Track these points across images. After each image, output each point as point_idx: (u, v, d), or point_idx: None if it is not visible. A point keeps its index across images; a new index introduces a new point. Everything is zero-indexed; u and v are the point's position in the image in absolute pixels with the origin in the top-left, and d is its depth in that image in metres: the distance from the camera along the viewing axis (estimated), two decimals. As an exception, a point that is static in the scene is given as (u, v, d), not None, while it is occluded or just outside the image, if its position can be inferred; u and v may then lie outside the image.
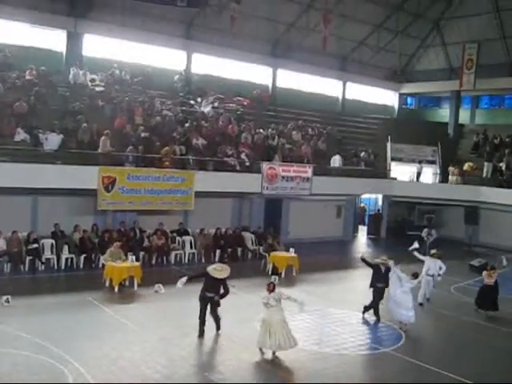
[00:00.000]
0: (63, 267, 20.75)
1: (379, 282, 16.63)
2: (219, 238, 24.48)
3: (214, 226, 24.93)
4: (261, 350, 13.34)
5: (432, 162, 36.43)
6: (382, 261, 16.84)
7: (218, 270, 14.21)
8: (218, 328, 14.49)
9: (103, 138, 23.20)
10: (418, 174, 34.67)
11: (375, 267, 16.97)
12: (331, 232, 31.41)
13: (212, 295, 14.10)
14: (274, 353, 13.16)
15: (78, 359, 12.03)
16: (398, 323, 15.94)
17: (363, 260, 17.89)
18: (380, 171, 34.05)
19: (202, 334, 14.16)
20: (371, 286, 16.84)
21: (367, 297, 16.85)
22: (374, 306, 16.68)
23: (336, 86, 40.68)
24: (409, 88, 43.34)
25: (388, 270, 16.43)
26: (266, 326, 13.16)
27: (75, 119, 24.17)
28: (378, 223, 35.27)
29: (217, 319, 14.48)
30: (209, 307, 14.28)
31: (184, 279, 14.29)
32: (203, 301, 14.25)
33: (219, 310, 14.42)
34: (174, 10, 29.90)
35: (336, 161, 31.45)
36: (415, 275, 16.48)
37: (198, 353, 13.46)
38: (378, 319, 16.52)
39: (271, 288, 13.45)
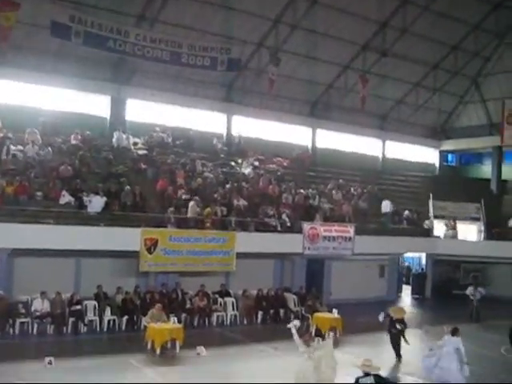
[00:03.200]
0: (105, 329, 20.72)
1: (392, 328, 18.50)
2: (261, 300, 24.24)
3: (255, 286, 24.67)
4: None
5: (476, 219, 35.84)
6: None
7: None
8: None
9: (192, 203, 24.20)
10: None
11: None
12: (374, 292, 30.79)
13: None
14: None
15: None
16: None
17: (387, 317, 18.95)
18: (423, 229, 33.57)
19: None
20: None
21: (412, 359, 16.38)
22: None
23: (376, 144, 40.77)
24: (449, 145, 43.17)
25: (395, 320, 18.49)
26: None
27: (118, 182, 24.63)
28: (422, 282, 34.54)
29: None
30: None
31: None
32: None
33: None
34: (214, 74, 30.59)
35: (387, 206, 31.40)
36: (454, 331, 15.50)
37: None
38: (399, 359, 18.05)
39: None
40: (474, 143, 41.20)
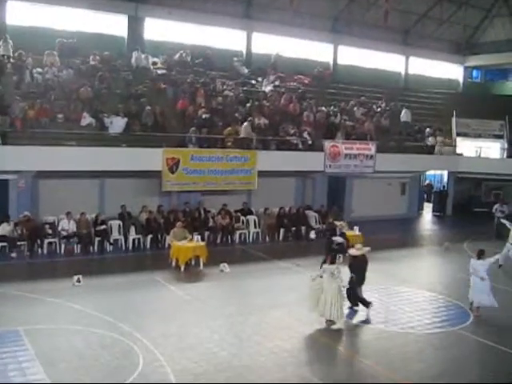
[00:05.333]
0: (131, 247, 21.21)
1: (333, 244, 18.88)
2: (283, 217, 24.51)
3: (277, 205, 24.91)
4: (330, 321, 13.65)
5: (499, 137, 35.39)
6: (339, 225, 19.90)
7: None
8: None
9: (246, 124, 24.63)
10: None
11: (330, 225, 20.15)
12: (395, 210, 30.90)
13: None
14: (328, 321, 13.64)
15: (146, 336, 12.34)
16: (468, 304, 15.45)
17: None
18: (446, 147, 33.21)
19: None
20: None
21: (432, 275, 16.61)
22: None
23: (399, 60, 39.94)
24: (474, 61, 42.18)
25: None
26: (318, 294, 13.73)
27: (138, 102, 24.55)
28: (443, 200, 34.51)
29: None
30: None
31: None
32: None
33: None
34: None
35: (408, 114, 31.79)
36: (480, 254, 15.33)
37: (264, 330, 13.52)
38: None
39: (330, 260, 14.17)
40: (500, 58, 40.12)
